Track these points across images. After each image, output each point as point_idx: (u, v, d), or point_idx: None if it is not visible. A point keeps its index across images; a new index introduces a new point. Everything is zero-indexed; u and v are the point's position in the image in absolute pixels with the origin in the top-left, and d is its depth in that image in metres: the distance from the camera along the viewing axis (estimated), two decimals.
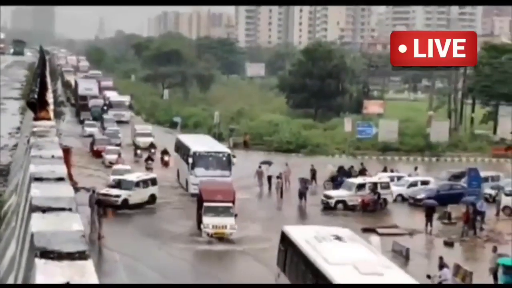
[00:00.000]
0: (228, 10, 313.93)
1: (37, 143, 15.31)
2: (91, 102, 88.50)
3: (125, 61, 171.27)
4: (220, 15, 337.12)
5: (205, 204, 38.41)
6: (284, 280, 27.47)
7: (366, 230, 40.83)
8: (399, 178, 52.88)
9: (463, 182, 49.54)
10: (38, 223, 7.77)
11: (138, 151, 62.15)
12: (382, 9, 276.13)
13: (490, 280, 30.95)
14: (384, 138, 72.14)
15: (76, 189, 38.69)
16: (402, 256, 35.07)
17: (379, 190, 47.18)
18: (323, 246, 24.91)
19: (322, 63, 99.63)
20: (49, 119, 21.21)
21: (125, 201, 43.86)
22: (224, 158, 48.67)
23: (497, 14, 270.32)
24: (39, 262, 6.49)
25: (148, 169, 54.64)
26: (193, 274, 33.45)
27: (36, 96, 22.60)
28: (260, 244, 37.10)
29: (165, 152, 59.01)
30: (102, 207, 38.78)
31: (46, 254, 6.64)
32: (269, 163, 56.18)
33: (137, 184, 45.00)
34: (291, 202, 48.60)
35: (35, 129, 18.13)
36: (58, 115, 63.48)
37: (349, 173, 53.75)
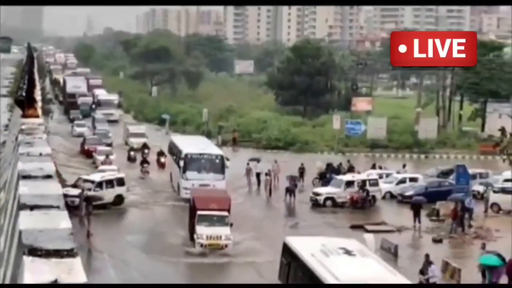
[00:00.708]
0: (217, 7, 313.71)
1: (25, 141, 15.27)
2: (80, 100, 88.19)
3: (113, 58, 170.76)
4: (209, 12, 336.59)
5: (199, 212, 36.07)
6: None
7: (355, 227, 40.98)
8: (387, 175, 52.96)
9: (451, 179, 49.63)
10: (26, 220, 7.75)
11: (132, 153, 60.20)
12: (370, 6, 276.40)
13: (478, 277, 30.99)
14: (372, 135, 72.26)
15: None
16: (390, 253, 35.11)
17: (367, 187, 47.22)
18: (331, 261, 23.29)
19: (311, 60, 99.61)
20: (37, 116, 21.18)
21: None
22: (217, 161, 46.40)
23: (486, 11, 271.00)
24: (27, 260, 6.47)
25: (145, 173, 53.47)
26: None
27: (24, 93, 22.56)
28: (250, 243, 37.01)
29: (161, 153, 56.96)
30: (91, 205, 38.70)
31: (34, 251, 6.62)
32: (257, 160, 56.13)
33: (99, 184, 43.23)
34: (281, 200, 48.54)
35: (23, 127, 18.09)
36: (46, 112, 63.34)
37: (338, 170, 53.80)
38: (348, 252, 24.16)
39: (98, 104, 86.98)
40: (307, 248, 25.01)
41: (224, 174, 45.86)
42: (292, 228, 42.23)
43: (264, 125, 76.98)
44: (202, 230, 35.35)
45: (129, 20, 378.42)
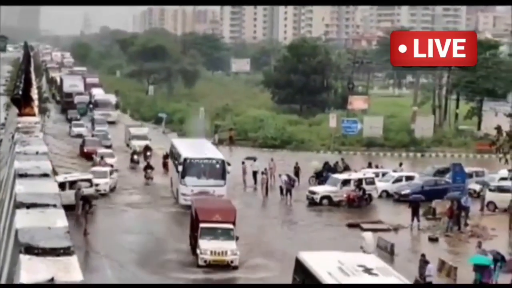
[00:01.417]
0: (213, 6, 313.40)
1: (22, 139, 15.27)
2: (77, 99, 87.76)
3: (110, 57, 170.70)
4: (205, 11, 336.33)
5: (202, 225, 33.01)
6: None
7: (352, 226, 41.03)
8: (384, 173, 52.98)
9: (447, 178, 49.69)
10: (23, 219, 7.76)
11: (135, 157, 57.68)
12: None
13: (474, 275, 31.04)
14: (368, 134, 72.31)
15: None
16: (387, 252, 35.15)
17: (364, 185, 47.24)
18: (352, 282, 21.53)
19: (307, 59, 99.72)
20: (33, 115, 21.17)
21: None
22: (218, 166, 43.85)
23: (482, 10, 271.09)
24: (24, 258, 6.48)
25: (149, 178, 51.32)
26: None
27: (20, 92, 22.56)
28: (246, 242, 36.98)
29: (167, 156, 54.38)
30: (88, 204, 38.72)
31: (31, 250, 6.63)
32: (253, 158, 56.10)
33: (61, 185, 37.39)
34: (277, 199, 48.53)
35: (19, 125, 18.09)
36: (43, 111, 63.18)
37: (334, 169, 53.81)
38: (368, 271, 22.35)
39: (96, 104, 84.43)
40: (323, 265, 23.22)
41: (225, 180, 43.50)
42: (289, 227, 42.27)
43: (261, 124, 76.99)
44: (206, 245, 32.46)
45: (126, 19, 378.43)
